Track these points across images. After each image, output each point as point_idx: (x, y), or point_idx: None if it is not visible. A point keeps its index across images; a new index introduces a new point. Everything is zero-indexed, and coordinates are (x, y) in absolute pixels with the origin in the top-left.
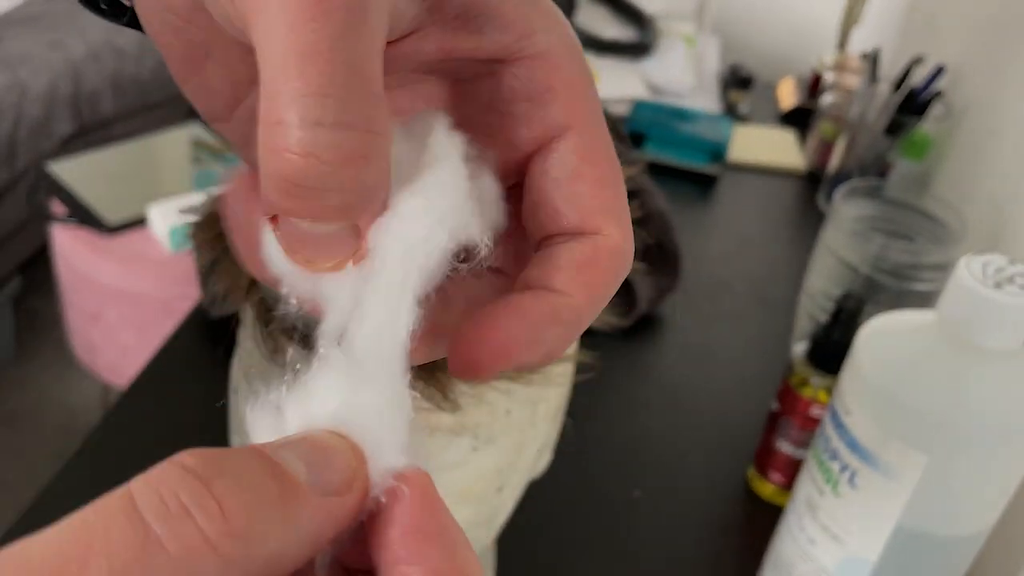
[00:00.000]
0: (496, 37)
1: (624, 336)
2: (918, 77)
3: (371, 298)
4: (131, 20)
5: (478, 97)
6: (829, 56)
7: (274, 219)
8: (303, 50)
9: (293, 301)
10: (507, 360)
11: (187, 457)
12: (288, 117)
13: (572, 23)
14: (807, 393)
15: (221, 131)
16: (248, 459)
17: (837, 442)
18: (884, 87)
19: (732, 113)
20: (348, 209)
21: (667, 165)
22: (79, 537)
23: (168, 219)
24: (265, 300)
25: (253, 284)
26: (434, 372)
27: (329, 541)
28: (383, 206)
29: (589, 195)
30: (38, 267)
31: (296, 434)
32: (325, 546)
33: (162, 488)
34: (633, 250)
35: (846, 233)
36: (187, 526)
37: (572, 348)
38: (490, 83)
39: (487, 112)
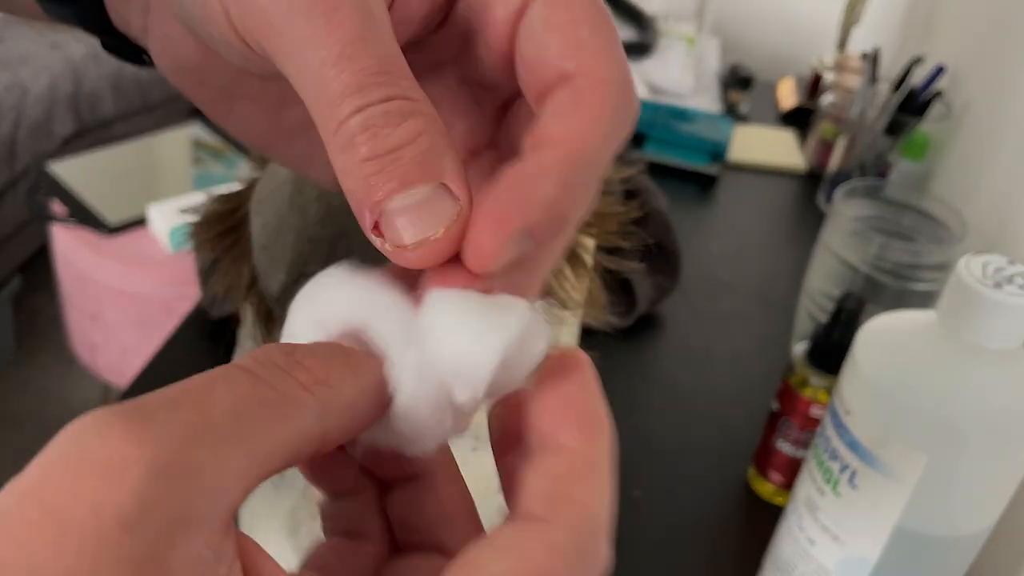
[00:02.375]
0: None
1: (624, 336)
2: (918, 77)
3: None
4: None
5: (456, 25)
6: (829, 56)
7: (375, 228)
8: (332, 57)
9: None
10: (505, 230)
11: (270, 346)
12: (343, 111)
13: None
14: (807, 393)
15: (282, 158)
16: (316, 342)
17: (837, 442)
18: (884, 87)
19: (732, 113)
20: (426, 162)
21: (667, 165)
22: (201, 381)
23: (168, 219)
24: (265, 299)
25: (253, 284)
26: None
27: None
28: (458, 160)
29: (561, 38)
30: (38, 267)
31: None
32: (367, 421)
33: (260, 355)
34: (631, 82)
35: (846, 233)
36: (286, 376)
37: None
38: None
39: (467, 19)
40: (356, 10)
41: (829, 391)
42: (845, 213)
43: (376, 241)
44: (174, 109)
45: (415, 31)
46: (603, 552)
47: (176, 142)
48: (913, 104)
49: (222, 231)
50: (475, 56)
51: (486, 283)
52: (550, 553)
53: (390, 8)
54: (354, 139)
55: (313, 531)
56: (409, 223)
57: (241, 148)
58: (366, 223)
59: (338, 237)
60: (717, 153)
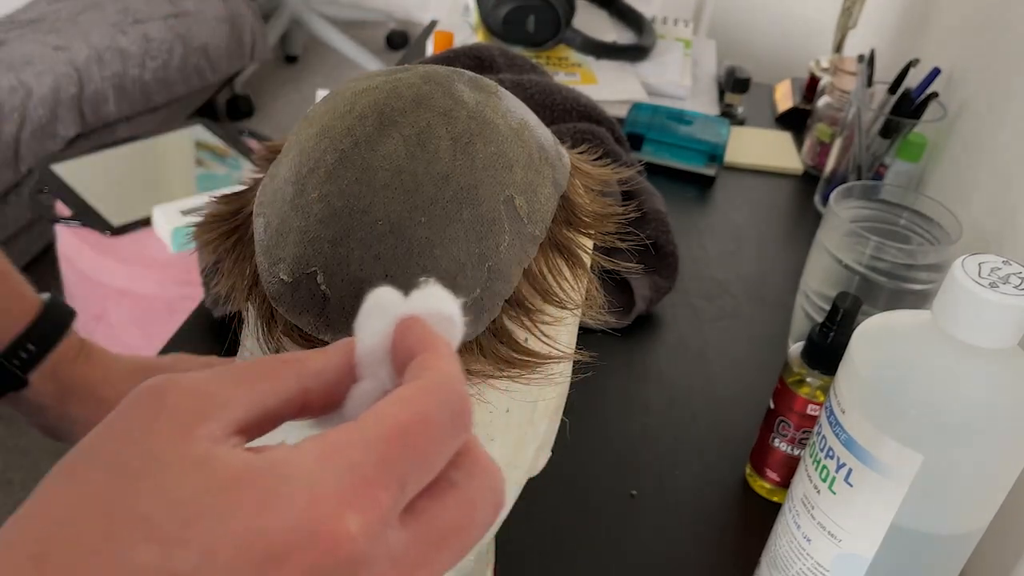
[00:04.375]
0: None
1: (622, 335)
2: (914, 79)
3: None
4: None
5: None
6: (825, 58)
7: None
8: None
9: None
10: None
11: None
12: None
13: (572, 26)
14: (803, 392)
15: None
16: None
17: (833, 440)
18: (880, 89)
19: (729, 115)
20: None
21: (665, 166)
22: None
23: (171, 220)
24: (267, 300)
25: (255, 284)
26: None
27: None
28: None
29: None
30: (42, 267)
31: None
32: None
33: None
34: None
35: (842, 233)
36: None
37: (571, 348)
38: None
39: None
40: None
41: (825, 390)
42: (841, 214)
43: None
44: (177, 111)
45: None
46: (463, 393)
47: (179, 143)
48: (909, 106)
49: (225, 232)
50: None
51: None
52: (423, 392)
53: None
54: None
55: None
56: None
57: (243, 150)
58: None
59: (340, 238)
60: (714, 155)
